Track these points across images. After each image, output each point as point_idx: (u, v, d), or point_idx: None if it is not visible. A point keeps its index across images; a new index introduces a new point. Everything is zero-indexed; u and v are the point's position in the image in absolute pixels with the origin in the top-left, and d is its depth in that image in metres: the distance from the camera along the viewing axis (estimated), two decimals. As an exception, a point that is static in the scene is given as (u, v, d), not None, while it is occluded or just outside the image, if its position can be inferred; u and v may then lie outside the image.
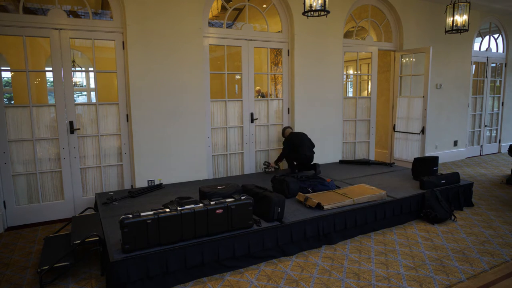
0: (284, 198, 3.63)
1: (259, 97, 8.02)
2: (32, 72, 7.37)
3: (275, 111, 6.01)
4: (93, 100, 9.64)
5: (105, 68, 6.50)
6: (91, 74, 9.87)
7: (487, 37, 8.58)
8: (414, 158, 5.10)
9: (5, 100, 5.52)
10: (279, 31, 5.87)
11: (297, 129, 5.99)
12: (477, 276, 3.12)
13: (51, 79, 4.52)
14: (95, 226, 3.52)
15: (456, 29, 5.22)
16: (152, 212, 2.96)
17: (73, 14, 5.61)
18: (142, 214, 2.92)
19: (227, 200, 3.26)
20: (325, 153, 6.32)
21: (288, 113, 6.03)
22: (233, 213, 3.20)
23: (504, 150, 9.14)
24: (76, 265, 3.28)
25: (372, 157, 6.89)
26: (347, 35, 6.92)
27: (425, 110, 6.41)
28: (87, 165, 4.73)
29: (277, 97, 7.28)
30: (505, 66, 8.86)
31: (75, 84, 9.50)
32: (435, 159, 4.98)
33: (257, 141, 5.86)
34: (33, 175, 4.46)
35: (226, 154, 5.64)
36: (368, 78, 8.92)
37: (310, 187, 4.39)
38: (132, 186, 4.94)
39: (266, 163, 5.67)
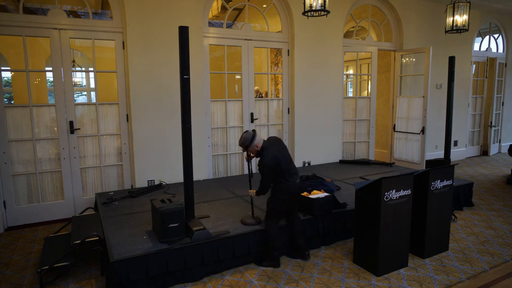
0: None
1: (258, 97, 7.98)
2: (32, 72, 7.37)
3: (275, 111, 6.01)
4: (93, 100, 9.63)
5: (105, 68, 6.50)
6: (91, 74, 9.87)
7: (487, 37, 8.58)
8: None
9: (5, 100, 5.51)
10: (279, 31, 5.87)
11: (297, 128, 5.97)
12: (477, 276, 3.12)
13: (51, 79, 4.52)
14: (95, 226, 3.52)
15: (456, 29, 5.22)
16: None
17: (73, 14, 5.60)
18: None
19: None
20: (325, 153, 6.31)
21: (288, 113, 6.02)
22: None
23: (504, 150, 9.14)
24: (76, 265, 3.28)
25: (372, 157, 6.89)
26: (347, 35, 6.92)
27: (425, 110, 6.41)
28: (87, 165, 4.72)
29: (277, 97, 7.28)
30: (505, 66, 8.86)
31: (75, 84, 9.49)
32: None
33: (257, 141, 5.85)
34: (33, 175, 4.46)
35: (226, 154, 5.64)
36: (368, 78, 8.92)
37: (310, 187, 4.39)
38: (132, 186, 4.94)
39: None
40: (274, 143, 3.26)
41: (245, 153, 3.38)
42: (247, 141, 3.17)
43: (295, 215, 3.42)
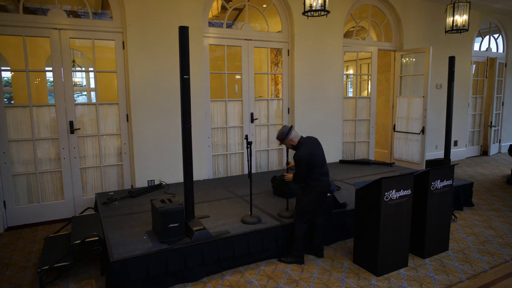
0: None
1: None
2: (32, 72, 7.36)
3: (275, 111, 6.01)
4: (93, 100, 9.62)
5: (105, 68, 6.50)
6: (91, 74, 9.86)
7: (487, 37, 8.58)
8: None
9: (5, 100, 5.52)
10: (279, 31, 5.87)
11: (297, 128, 5.97)
12: (477, 276, 3.12)
13: (51, 79, 4.52)
14: (95, 226, 3.52)
15: (456, 29, 5.22)
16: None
17: (73, 14, 5.60)
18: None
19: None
20: (325, 153, 6.28)
21: (288, 113, 6.03)
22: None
23: (504, 150, 9.14)
24: (76, 265, 3.28)
25: (372, 157, 6.89)
26: (347, 35, 6.92)
27: (425, 110, 6.41)
28: (87, 165, 4.72)
29: (277, 97, 7.28)
30: (505, 66, 8.86)
31: (75, 84, 9.49)
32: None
33: (257, 141, 5.86)
34: (33, 175, 4.46)
35: (226, 154, 5.64)
36: (368, 78, 8.91)
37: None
38: (132, 186, 4.94)
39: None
40: (312, 141, 3.40)
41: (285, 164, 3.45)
42: (282, 135, 3.35)
43: (318, 215, 3.45)
